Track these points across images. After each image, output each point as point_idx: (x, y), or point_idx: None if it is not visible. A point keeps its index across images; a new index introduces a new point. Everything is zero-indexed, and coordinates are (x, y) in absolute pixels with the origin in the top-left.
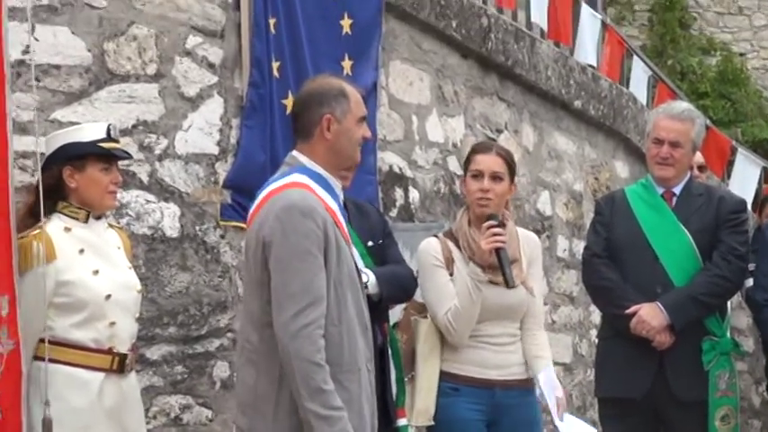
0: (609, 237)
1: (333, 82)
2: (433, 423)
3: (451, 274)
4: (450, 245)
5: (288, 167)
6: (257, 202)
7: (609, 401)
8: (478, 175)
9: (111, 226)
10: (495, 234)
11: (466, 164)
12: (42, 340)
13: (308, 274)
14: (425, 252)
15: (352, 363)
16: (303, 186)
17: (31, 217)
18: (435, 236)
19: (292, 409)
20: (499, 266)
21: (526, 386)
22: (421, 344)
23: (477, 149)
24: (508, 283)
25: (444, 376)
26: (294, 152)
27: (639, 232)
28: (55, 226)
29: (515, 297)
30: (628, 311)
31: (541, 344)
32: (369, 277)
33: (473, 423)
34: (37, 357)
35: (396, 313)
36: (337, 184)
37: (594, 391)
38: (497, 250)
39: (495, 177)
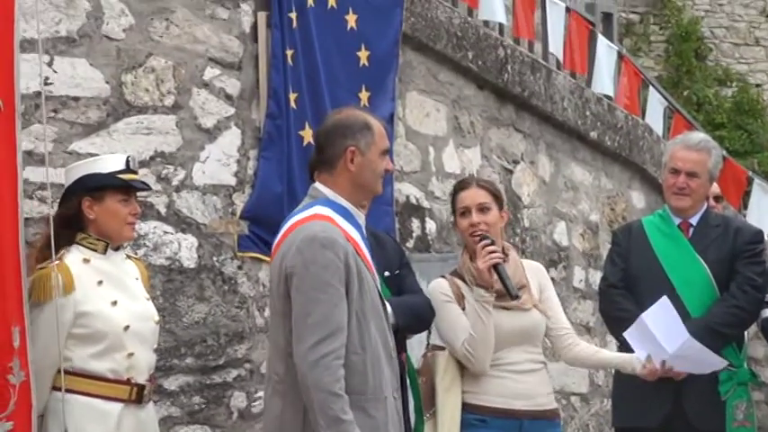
0: (626, 267)
1: (358, 114)
2: None
3: (463, 309)
4: (459, 282)
5: (311, 199)
6: (280, 234)
7: (626, 431)
8: (466, 212)
9: (129, 257)
10: (489, 252)
11: (452, 205)
12: (60, 371)
13: (327, 305)
14: (435, 290)
15: (378, 391)
16: (325, 218)
17: (49, 248)
18: (443, 276)
19: None
20: (501, 282)
21: (554, 416)
22: (440, 377)
23: (457, 188)
24: (511, 294)
25: (468, 408)
26: (317, 183)
27: (656, 263)
28: (74, 257)
29: (530, 319)
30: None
31: (587, 344)
32: (387, 308)
33: None
34: (55, 388)
35: (413, 347)
36: (360, 215)
37: (612, 421)
38: (495, 266)
39: (483, 209)
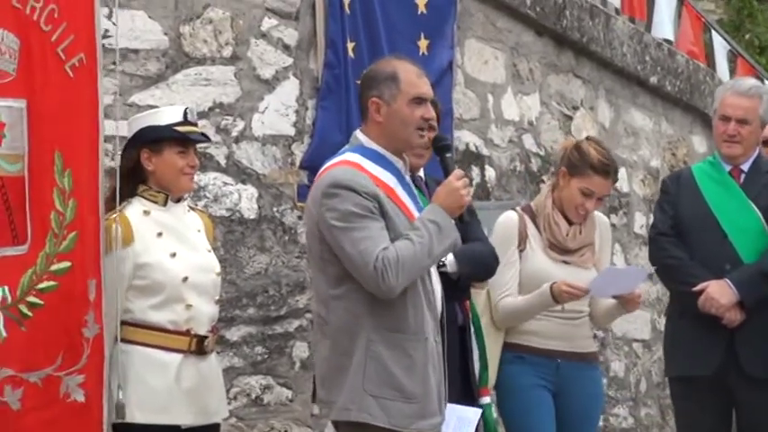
0: (675, 215)
1: (387, 65)
2: (494, 392)
3: (523, 250)
4: (527, 220)
5: (349, 146)
6: (315, 181)
7: (679, 381)
8: (588, 194)
9: (193, 209)
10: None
11: (573, 166)
12: (123, 322)
13: (359, 232)
14: (500, 226)
15: (419, 331)
16: (351, 164)
17: (115, 200)
18: (514, 209)
19: (364, 379)
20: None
21: (591, 360)
22: (481, 313)
23: (599, 168)
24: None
25: (507, 347)
26: (357, 131)
27: (707, 210)
28: (134, 209)
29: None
30: (696, 289)
31: None
32: (447, 256)
33: (539, 389)
34: (120, 340)
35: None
36: (399, 161)
37: (665, 371)
38: (441, 154)
39: (601, 198)
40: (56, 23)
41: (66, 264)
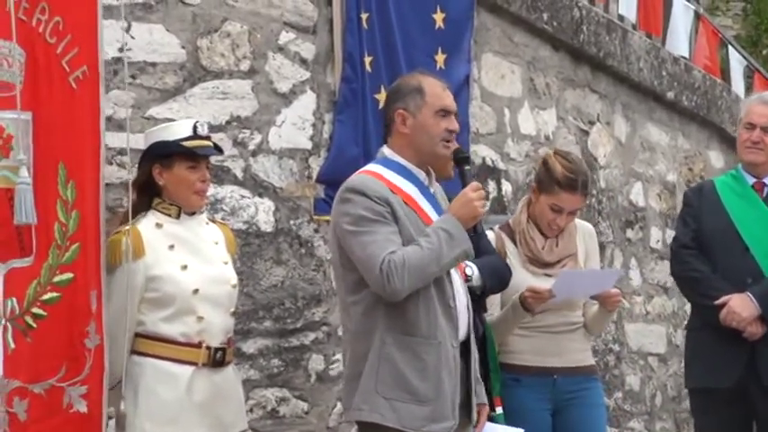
0: (698, 228)
1: (412, 78)
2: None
3: None
4: (505, 237)
5: (374, 161)
6: None
7: (699, 393)
8: (558, 210)
9: (213, 221)
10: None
11: (545, 182)
12: (136, 335)
13: (368, 236)
14: None
15: (431, 335)
16: (371, 174)
17: (130, 213)
18: (491, 228)
19: (377, 380)
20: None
21: (589, 372)
22: None
23: (564, 184)
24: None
25: (503, 367)
26: (384, 146)
27: (729, 223)
28: (147, 222)
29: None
30: (717, 302)
31: None
32: (473, 271)
33: (537, 413)
34: (134, 352)
35: None
36: (421, 173)
37: (685, 382)
38: (460, 166)
39: (573, 212)
40: (60, 36)
41: (69, 275)
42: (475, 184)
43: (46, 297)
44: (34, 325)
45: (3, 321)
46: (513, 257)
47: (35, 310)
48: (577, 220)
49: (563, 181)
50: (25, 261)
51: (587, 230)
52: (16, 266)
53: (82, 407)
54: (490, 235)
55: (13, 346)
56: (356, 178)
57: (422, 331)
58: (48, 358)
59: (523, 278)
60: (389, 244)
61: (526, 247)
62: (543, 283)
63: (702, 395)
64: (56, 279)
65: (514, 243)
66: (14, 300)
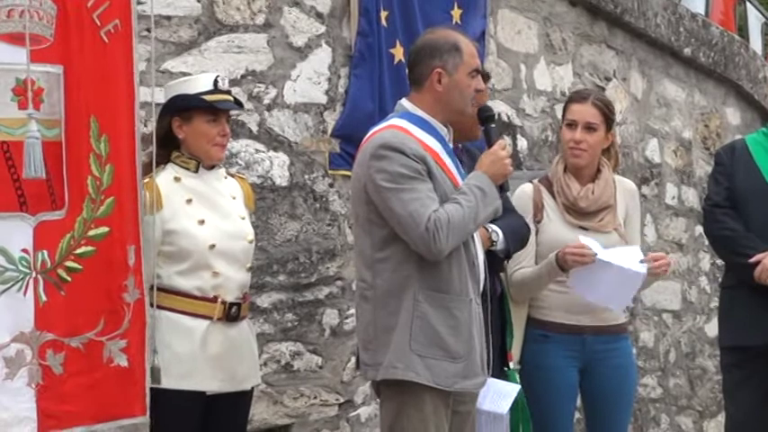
0: (730, 186)
1: (448, 35)
2: (519, 367)
3: (540, 221)
4: (543, 190)
5: (394, 113)
6: (360, 146)
7: (732, 350)
8: (572, 125)
9: (232, 175)
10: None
11: (563, 112)
12: (152, 288)
13: (409, 194)
14: (516, 198)
15: (463, 293)
16: (399, 128)
17: (151, 167)
18: (530, 181)
19: (411, 338)
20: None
21: (619, 331)
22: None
23: (573, 98)
24: (490, 145)
25: (532, 323)
26: (403, 100)
27: (762, 181)
28: (166, 176)
29: (607, 242)
30: (752, 260)
31: None
32: (499, 235)
33: (564, 370)
34: (152, 305)
35: None
36: (443, 129)
37: (718, 341)
38: (485, 124)
39: (589, 128)
40: None
41: (105, 229)
42: (502, 141)
43: (80, 251)
44: (69, 278)
45: (33, 274)
46: (551, 210)
47: (69, 263)
48: (618, 177)
49: (572, 95)
50: (56, 214)
51: (629, 188)
52: (47, 219)
53: (123, 361)
54: (524, 188)
55: (45, 298)
56: (389, 134)
57: (454, 288)
58: (84, 312)
59: (557, 231)
60: (431, 202)
61: (563, 196)
62: (578, 237)
63: (735, 353)
64: (90, 233)
65: (552, 196)
66: (46, 252)
